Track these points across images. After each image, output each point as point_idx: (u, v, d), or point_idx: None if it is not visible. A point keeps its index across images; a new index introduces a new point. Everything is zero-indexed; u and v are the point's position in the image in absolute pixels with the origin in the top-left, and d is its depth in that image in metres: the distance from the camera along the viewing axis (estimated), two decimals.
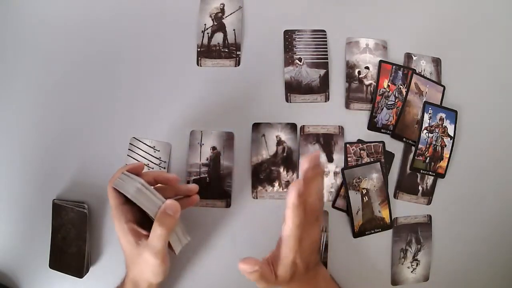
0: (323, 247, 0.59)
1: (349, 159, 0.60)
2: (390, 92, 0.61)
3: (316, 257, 0.51)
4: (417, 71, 0.62)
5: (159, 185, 0.51)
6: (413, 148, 0.61)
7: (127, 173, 0.47)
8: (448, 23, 0.65)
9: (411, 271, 0.61)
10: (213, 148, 0.60)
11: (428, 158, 0.61)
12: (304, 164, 0.47)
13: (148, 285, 0.49)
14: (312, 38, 0.62)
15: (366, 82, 0.62)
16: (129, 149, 0.60)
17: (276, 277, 0.46)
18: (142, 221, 0.49)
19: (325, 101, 0.62)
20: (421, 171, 0.61)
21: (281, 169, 0.60)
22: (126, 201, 0.47)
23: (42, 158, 0.60)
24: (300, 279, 0.48)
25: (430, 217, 0.62)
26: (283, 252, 0.46)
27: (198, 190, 0.53)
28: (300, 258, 0.47)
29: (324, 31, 0.63)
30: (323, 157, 0.60)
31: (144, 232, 0.47)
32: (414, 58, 0.63)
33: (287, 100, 0.61)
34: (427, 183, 0.62)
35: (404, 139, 0.61)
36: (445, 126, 0.61)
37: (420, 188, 0.62)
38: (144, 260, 0.46)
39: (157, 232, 0.45)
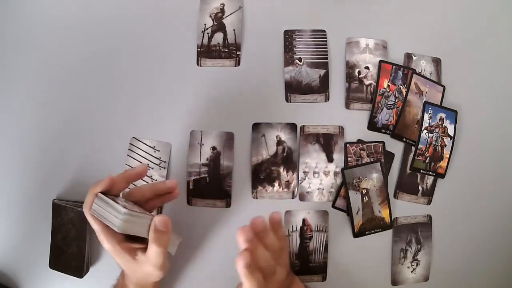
0: (323, 247, 0.59)
1: (349, 159, 0.60)
2: (390, 92, 0.61)
3: (288, 277, 0.51)
4: (417, 71, 0.62)
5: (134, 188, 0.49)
6: (413, 148, 0.61)
7: (102, 196, 0.43)
8: (448, 23, 0.65)
9: (411, 271, 0.61)
10: (213, 148, 0.60)
11: (428, 158, 0.61)
12: (239, 239, 0.44)
13: (154, 283, 0.50)
14: (312, 38, 0.62)
15: (366, 82, 0.62)
16: (129, 149, 0.60)
17: None
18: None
19: (325, 101, 0.62)
20: (421, 171, 0.61)
21: (281, 169, 0.60)
22: None
23: (42, 158, 0.60)
24: None
25: (430, 217, 0.62)
26: None
27: (176, 185, 0.50)
28: None
29: (324, 31, 0.63)
30: (322, 157, 0.60)
31: (137, 246, 0.46)
32: (414, 58, 0.63)
33: (287, 100, 0.61)
34: (427, 183, 0.62)
35: (404, 139, 0.61)
36: (445, 126, 0.61)
37: (420, 188, 0.62)
38: (146, 271, 0.46)
39: (155, 250, 0.44)
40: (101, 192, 0.44)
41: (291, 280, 0.53)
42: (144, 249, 0.45)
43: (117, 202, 0.43)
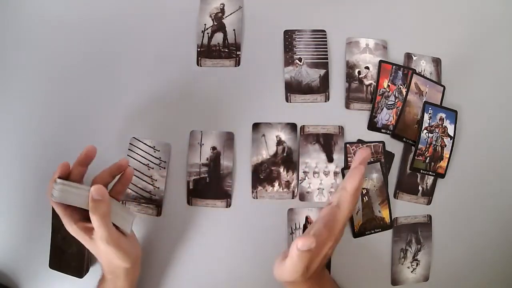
0: None
1: (349, 159, 0.60)
2: (390, 92, 0.61)
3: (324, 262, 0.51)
4: (417, 71, 0.62)
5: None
6: (413, 148, 0.61)
7: (59, 180, 0.46)
8: (448, 23, 0.65)
9: (411, 271, 0.61)
10: (213, 148, 0.60)
11: (428, 158, 0.61)
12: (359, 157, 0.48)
13: (124, 271, 0.49)
14: (312, 38, 0.62)
15: (366, 82, 0.62)
16: (129, 149, 0.60)
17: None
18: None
19: (325, 101, 0.62)
20: (421, 171, 0.61)
21: (281, 169, 0.60)
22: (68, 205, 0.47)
23: (42, 158, 0.60)
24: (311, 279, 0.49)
25: (430, 217, 0.62)
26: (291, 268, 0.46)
27: (127, 163, 0.51)
28: (309, 272, 0.47)
29: (324, 31, 0.63)
30: (322, 157, 0.60)
31: (91, 225, 0.46)
32: (414, 58, 0.63)
33: (287, 100, 0.61)
34: (427, 183, 0.62)
35: (404, 139, 0.61)
36: (445, 126, 0.61)
37: (420, 188, 0.62)
38: (102, 251, 0.47)
39: (95, 221, 0.44)
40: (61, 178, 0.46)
41: (323, 268, 0.52)
42: None
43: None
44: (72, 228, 0.47)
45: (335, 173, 0.60)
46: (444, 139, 0.61)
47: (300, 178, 0.60)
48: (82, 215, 0.48)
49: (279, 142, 0.60)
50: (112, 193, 0.51)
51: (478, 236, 0.63)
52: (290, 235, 0.59)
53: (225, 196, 0.59)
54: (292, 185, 0.60)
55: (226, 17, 0.62)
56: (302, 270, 0.45)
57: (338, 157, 0.60)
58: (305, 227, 0.59)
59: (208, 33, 0.62)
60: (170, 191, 0.59)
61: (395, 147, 0.62)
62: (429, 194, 0.62)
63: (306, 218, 0.59)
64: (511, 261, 0.63)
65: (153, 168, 0.59)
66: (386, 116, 0.61)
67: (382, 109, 0.61)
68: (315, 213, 0.59)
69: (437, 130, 0.61)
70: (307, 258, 0.44)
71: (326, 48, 0.62)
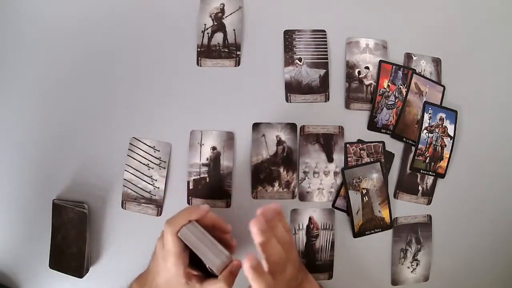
0: (330, 246, 0.59)
1: (349, 159, 0.60)
2: (390, 92, 0.61)
3: (299, 275, 0.50)
4: (417, 71, 0.62)
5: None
6: (413, 148, 0.61)
7: (195, 223, 0.46)
8: (448, 23, 0.65)
9: (411, 271, 0.61)
10: (213, 148, 0.60)
11: (428, 158, 0.61)
12: (253, 229, 0.44)
13: None
14: (312, 38, 0.62)
15: (366, 82, 0.62)
16: (129, 149, 0.60)
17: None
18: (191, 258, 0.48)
19: (325, 101, 0.62)
20: (421, 171, 0.61)
21: (281, 169, 0.60)
22: (186, 247, 0.46)
23: (42, 158, 0.60)
24: None
25: (430, 217, 0.62)
26: None
27: (230, 231, 0.51)
28: None
29: (324, 31, 0.63)
30: (322, 157, 0.60)
31: (195, 273, 0.47)
32: (414, 58, 0.63)
33: (287, 100, 0.61)
34: (427, 183, 0.62)
35: (404, 139, 0.61)
36: (445, 126, 0.61)
37: (420, 188, 0.62)
38: None
39: (219, 287, 0.44)
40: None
41: (302, 277, 0.51)
42: (200, 278, 0.46)
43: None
44: (179, 272, 0.46)
45: (335, 173, 0.60)
46: (444, 139, 0.61)
47: (300, 178, 0.60)
48: (187, 260, 0.47)
49: (279, 142, 0.60)
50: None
51: (478, 236, 0.63)
52: (293, 236, 0.59)
53: (225, 196, 0.59)
54: (292, 185, 0.60)
55: (226, 17, 0.62)
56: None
57: (338, 157, 0.60)
58: (308, 228, 0.59)
59: (208, 33, 0.62)
60: (170, 191, 0.59)
61: (395, 147, 0.62)
62: (429, 194, 0.62)
63: (310, 218, 0.59)
64: (510, 261, 0.63)
65: (153, 168, 0.59)
66: (386, 116, 0.61)
67: (382, 109, 0.61)
68: (318, 214, 0.59)
69: (437, 130, 0.61)
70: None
71: (326, 48, 0.62)
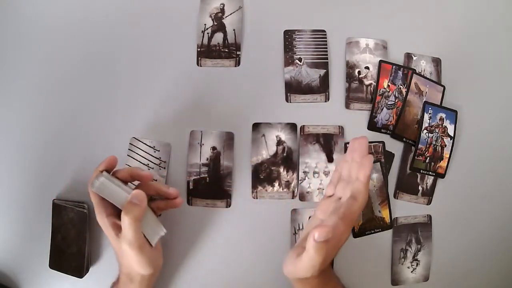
0: None
1: None
2: (390, 92, 0.61)
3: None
4: (417, 71, 0.62)
5: (138, 182, 0.51)
6: (413, 148, 0.61)
7: (105, 173, 0.47)
8: (448, 23, 0.65)
9: (411, 271, 0.61)
10: (213, 148, 0.60)
11: (428, 158, 0.61)
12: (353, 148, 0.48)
13: (141, 277, 0.49)
14: (312, 38, 0.62)
15: (366, 82, 0.62)
16: (129, 149, 0.60)
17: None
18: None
19: (325, 101, 0.62)
20: (421, 171, 0.61)
21: (281, 169, 0.60)
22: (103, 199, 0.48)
23: (42, 158, 0.60)
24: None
25: (430, 217, 0.62)
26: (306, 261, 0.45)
27: (178, 194, 0.52)
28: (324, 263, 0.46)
29: (324, 31, 0.63)
30: (322, 157, 0.60)
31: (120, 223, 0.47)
32: (414, 58, 0.63)
33: (287, 100, 0.61)
34: (427, 183, 0.62)
35: (404, 139, 0.61)
36: (445, 126, 0.61)
37: (420, 188, 0.62)
38: (124, 252, 0.47)
39: (125, 222, 0.44)
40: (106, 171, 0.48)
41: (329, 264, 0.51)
42: None
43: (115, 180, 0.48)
44: (102, 221, 0.48)
45: None
46: (444, 139, 0.61)
47: (300, 178, 0.60)
48: (115, 211, 0.48)
49: (279, 142, 0.60)
50: (153, 204, 0.52)
51: (478, 236, 0.63)
52: (293, 236, 0.59)
53: (225, 196, 0.59)
54: (292, 185, 0.60)
55: (226, 17, 0.62)
56: (319, 264, 0.44)
57: (338, 157, 0.60)
58: None
59: (208, 33, 0.62)
60: None
61: (395, 147, 0.62)
62: (429, 194, 0.62)
63: (310, 218, 0.59)
64: (510, 261, 0.63)
65: (153, 168, 0.59)
66: (386, 116, 0.61)
67: (382, 109, 0.61)
68: None
69: (437, 130, 0.61)
70: (324, 250, 0.43)
71: (326, 48, 0.62)
